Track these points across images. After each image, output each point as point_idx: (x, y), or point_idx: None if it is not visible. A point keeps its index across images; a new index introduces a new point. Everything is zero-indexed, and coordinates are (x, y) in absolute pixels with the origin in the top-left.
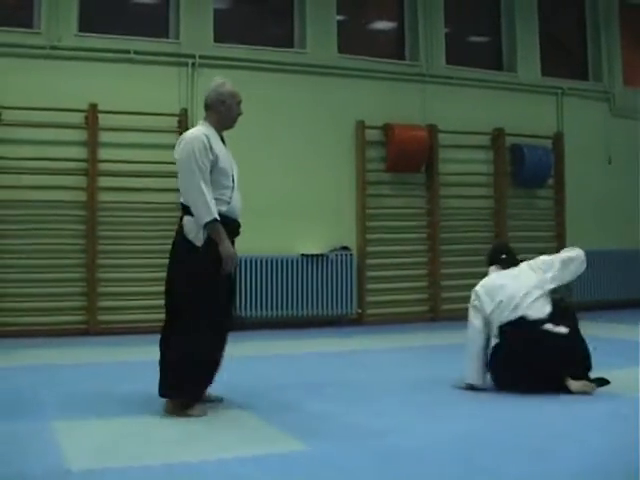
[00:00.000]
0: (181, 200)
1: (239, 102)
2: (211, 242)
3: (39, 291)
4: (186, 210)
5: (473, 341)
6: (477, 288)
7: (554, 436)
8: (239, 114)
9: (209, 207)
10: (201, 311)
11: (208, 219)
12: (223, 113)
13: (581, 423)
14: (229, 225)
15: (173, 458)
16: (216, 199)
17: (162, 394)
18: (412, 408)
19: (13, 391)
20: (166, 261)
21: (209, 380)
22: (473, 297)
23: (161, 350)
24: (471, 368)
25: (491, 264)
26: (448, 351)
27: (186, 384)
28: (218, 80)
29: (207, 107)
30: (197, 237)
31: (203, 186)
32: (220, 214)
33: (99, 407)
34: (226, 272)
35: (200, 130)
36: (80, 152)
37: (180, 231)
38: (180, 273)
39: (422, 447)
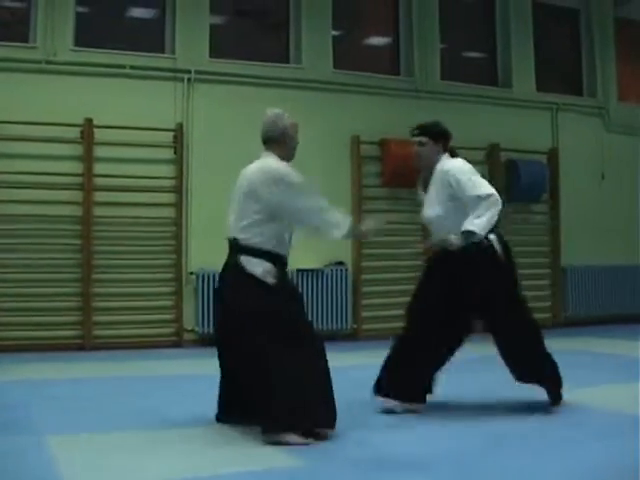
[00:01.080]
0: (235, 236)
1: (297, 132)
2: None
3: (34, 305)
4: (244, 250)
5: None
6: None
7: (545, 453)
8: (297, 144)
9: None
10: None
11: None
12: (288, 146)
13: (577, 437)
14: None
15: (167, 474)
16: (278, 241)
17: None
18: (408, 422)
19: (7, 406)
20: (160, 276)
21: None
22: None
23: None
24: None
25: None
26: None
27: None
28: (275, 111)
29: (270, 140)
30: (266, 274)
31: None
32: (279, 254)
33: (93, 422)
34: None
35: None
36: (75, 167)
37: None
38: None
39: (419, 458)
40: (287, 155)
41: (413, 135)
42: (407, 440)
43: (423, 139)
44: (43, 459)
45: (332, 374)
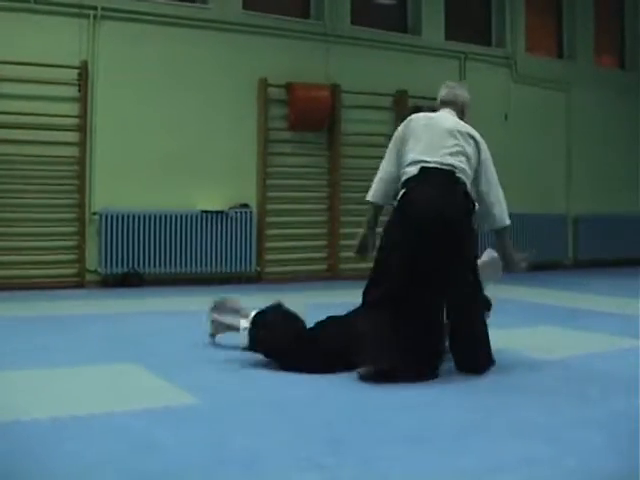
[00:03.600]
0: (450, 162)
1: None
2: None
3: None
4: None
5: None
6: None
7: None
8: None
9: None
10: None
11: (508, 223)
12: (464, 118)
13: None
14: None
15: (57, 412)
16: None
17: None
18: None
19: None
20: (63, 215)
21: None
22: None
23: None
24: None
25: None
26: (344, 309)
27: None
28: (463, 84)
29: (452, 104)
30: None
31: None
32: None
33: None
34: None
35: None
36: None
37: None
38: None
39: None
40: None
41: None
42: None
43: None
44: None
45: None
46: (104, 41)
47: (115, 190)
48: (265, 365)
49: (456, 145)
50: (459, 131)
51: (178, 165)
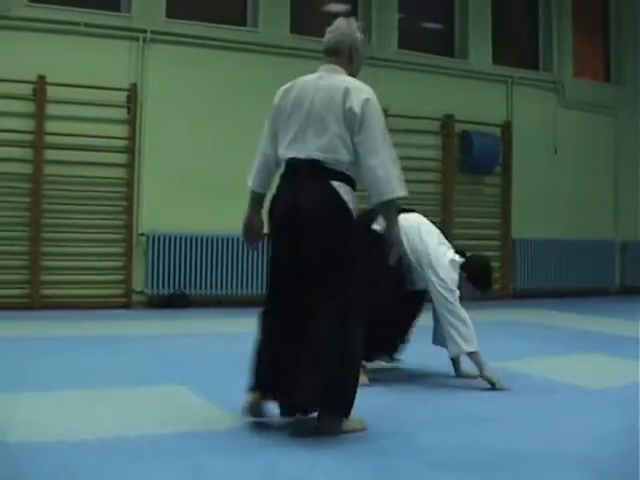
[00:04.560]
0: (316, 157)
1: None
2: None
3: None
4: (332, 175)
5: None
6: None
7: (482, 424)
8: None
9: (402, 181)
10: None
11: (401, 194)
12: (356, 66)
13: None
14: None
15: (107, 432)
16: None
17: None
18: None
19: None
20: (110, 236)
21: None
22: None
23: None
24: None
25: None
26: None
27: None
28: (350, 21)
29: (335, 54)
30: (354, 210)
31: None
32: None
33: (38, 380)
34: (392, 259)
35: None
36: (27, 124)
37: (335, 199)
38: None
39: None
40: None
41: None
42: None
43: None
44: None
45: None
46: (153, 64)
47: (162, 212)
48: None
49: (329, 127)
50: (337, 100)
51: (224, 188)
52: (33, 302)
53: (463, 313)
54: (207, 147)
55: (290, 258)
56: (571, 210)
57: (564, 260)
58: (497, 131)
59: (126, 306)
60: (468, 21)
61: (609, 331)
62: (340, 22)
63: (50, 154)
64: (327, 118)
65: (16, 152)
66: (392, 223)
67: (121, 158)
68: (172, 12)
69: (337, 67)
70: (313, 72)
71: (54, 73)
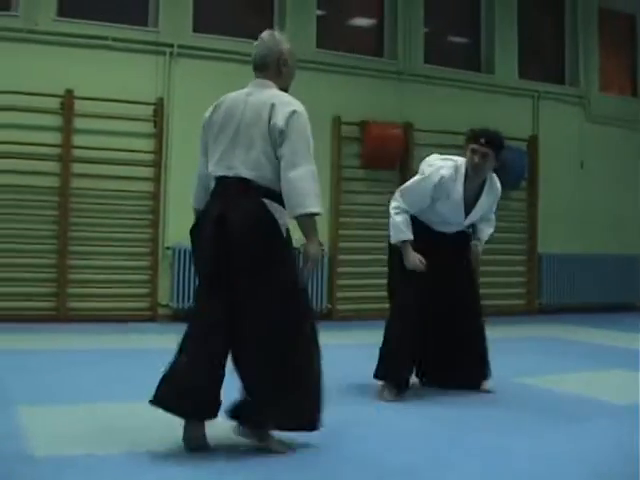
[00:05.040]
0: (244, 175)
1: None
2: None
3: (9, 276)
4: (261, 192)
5: None
6: None
7: (507, 436)
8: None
9: (318, 197)
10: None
11: (317, 210)
12: (285, 78)
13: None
14: None
15: (137, 447)
16: None
17: None
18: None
19: None
20: (136, 249)
21: None
22: None
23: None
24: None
25: None
26: None
27: None
28: (275, 33)
29: (263, 68)
30: (283, 226)
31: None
32: None
33: (64, 393)
34: (307, 274)
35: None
36: (55, 137)
37: (264, 214)
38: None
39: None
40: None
41: (480, 144)
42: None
43: (489, 152)
44: (13, 428)
45: None
46: (180, 78)
47: (188, 225)
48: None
49: (255, 144)
50: (264, 117)
51: None
52: (60, 315)
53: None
54: None
55: (218, 272)
56: (597, 225)
57: (590, 275)
58: (523, 145)
59: (152, 319)
60: (494, 35)
61: (635, 347)
62: (265, 35)
63: (78, 168)
64: (254, 135)
65: (44, 165)
66: (309, 238)
67: (148, 172)
68: (199, 26)
69: (266, 81)
70: (338, 86)
71: (82, 87)
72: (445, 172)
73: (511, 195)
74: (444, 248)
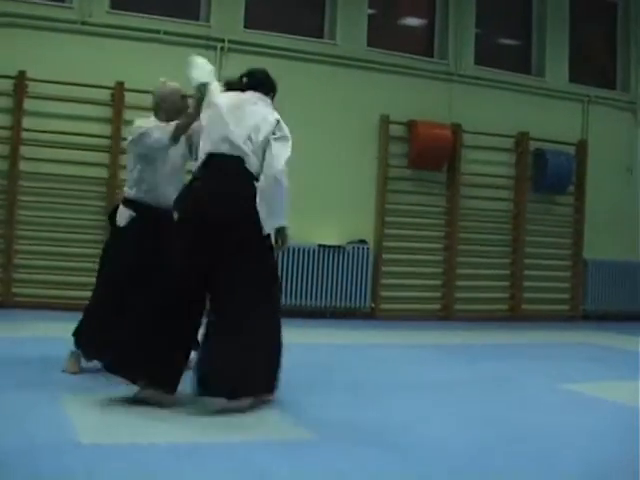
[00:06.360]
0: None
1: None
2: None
3: None
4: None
5: None
6: None
7: (557, 443)
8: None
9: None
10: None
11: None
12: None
13: (584, 431)
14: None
15: (179, 438)
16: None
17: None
18: (422, 405)
19: None
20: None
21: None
22: None
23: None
24: None
25: None
26: (458, 352)
27: None
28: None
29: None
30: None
31: None
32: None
33: (110, 383)
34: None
35: None
36: (104, 129)
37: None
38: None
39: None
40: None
41: None
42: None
43: None
44: (58, 418)
45: (350, 351)
46: (230, 73)
47: None
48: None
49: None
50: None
51: (299, 199)
52: (4, 300)
53: None
54: None
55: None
56: (635, 232)
57: (635, 282)
58: (571, 150)
59: None
60: (546, 38)
61: None
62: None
63: (126, 159)
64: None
65: (94, 156)
66: None
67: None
68: (250, 22)
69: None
70: (387, 85)
71: (132, 79)
72: None
73: (558, 200)
74: None
